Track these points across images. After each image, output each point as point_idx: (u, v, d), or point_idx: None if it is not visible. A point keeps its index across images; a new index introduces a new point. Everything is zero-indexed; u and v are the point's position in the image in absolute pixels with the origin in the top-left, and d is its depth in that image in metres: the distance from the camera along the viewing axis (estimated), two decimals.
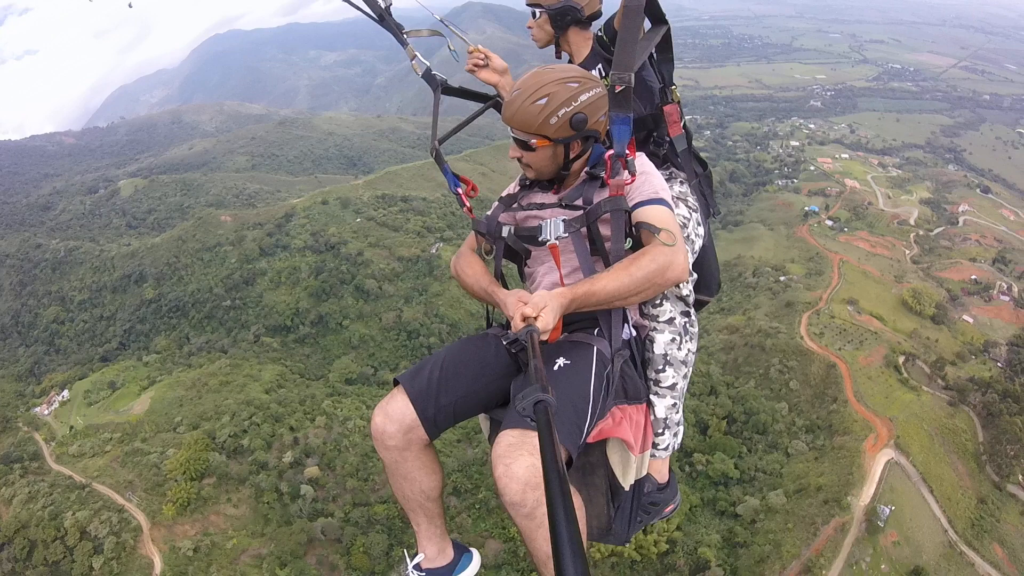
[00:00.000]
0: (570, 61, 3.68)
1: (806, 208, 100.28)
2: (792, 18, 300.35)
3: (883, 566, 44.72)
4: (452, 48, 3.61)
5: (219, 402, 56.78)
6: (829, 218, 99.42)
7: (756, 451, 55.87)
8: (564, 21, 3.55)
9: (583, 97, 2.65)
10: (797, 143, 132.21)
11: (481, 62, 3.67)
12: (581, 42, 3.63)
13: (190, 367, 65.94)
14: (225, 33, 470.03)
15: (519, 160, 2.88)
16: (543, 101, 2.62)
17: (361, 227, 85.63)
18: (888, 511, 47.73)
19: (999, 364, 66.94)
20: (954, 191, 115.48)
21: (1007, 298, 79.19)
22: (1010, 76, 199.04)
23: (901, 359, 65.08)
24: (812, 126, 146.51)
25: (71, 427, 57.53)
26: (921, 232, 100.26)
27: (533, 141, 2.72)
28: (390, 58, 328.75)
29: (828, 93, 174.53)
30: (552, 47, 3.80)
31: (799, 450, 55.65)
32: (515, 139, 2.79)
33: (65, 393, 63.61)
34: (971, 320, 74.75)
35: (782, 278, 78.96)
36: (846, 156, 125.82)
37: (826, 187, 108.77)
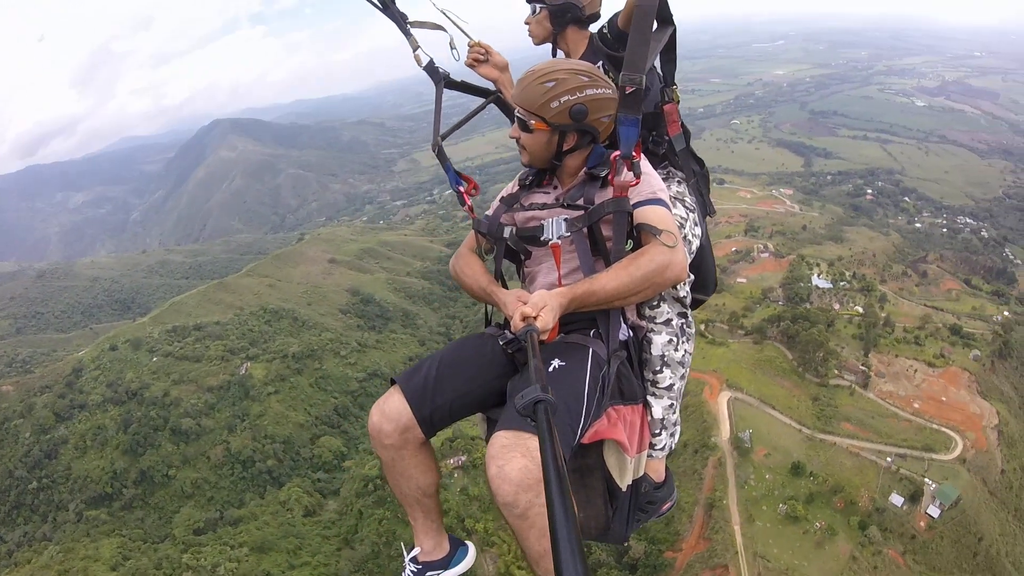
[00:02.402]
0: None
1: None
2: None
3: (767, 476, 54.54)
4: (454, 47, 3.69)
5: None
6: None
7: None
8: (564, 19, 3.67)
9: (590, 91, 2.78)
10: None
11: (481, 57, 3.80)
12: (579, 41, 3.73)
13: (16, 566, 57.64)
14: None
15: (517, 141, 3.00)
16: (550, 84, 2.77)
17: (160, 366, 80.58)
18: (748, 434, 57.97)
19: (780, 302, 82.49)
20: None
21: (766, 254, 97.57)
22: (716, 88, 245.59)
23: (701, 327, 77.70)
24: None
25: None
26: None
27: (532, 122, 2.84)
28: (140, 191, 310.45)
29: None
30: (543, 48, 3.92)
31: None
32: (518, 118, 2.92)
33: None
34: (744, 280, 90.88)
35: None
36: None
37: None
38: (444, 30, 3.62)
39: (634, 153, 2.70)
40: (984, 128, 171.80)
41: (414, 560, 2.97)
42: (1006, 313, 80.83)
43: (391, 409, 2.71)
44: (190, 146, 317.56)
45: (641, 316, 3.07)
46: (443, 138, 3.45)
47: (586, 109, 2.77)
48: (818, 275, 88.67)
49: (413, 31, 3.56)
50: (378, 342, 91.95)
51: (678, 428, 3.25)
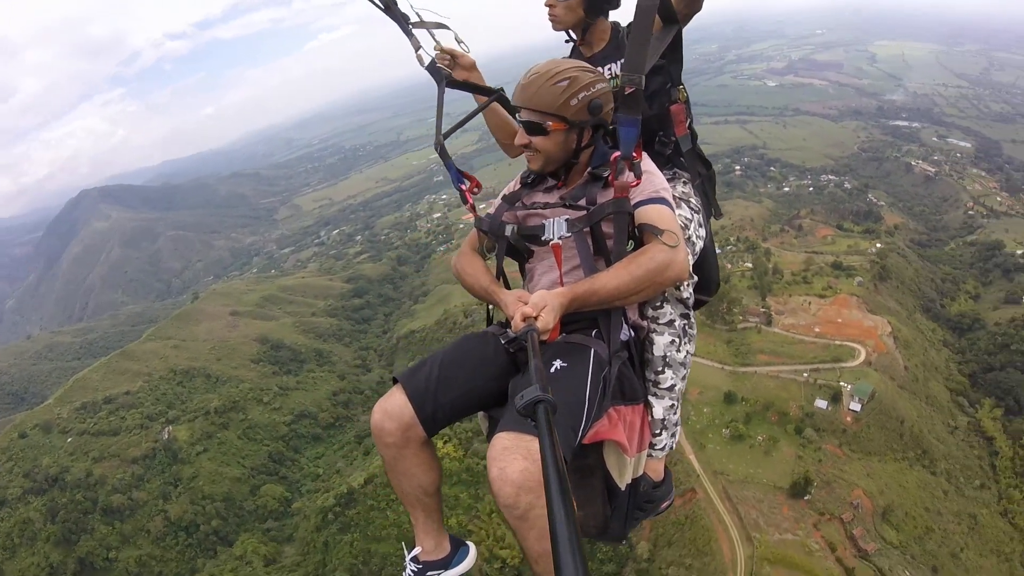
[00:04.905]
0: (579, 51, 3.87)
1: None
2: (393, 118, 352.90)
3: (705, 409, 63.56)
4: (460, 40, 3.81)
5: None
6: None
7: None
8: (601, 7, 3.68)
9: (600, 86, 2.95)
10: (439, 214, 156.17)
11: (447, 64, 3.79)
12: (602, 33, 3.78)
13: None
14: None
15: (526, 147, 3.08)
16: (564, 83, 2.88)
17: (76, 445, 78.26)
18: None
19: None
20: None
21: None
22: None
23: None
24: (444, 196, 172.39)
25: None
26: None
27: (548, 123, 2.93)
28: (11, 277, 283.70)
29: None
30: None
31: None
32: (525, 124, 3.01)
33: None
34: None
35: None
36: (484, 206, 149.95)
37: None
38: (447, 28, 3.76)
39: (634, 154, 2.85)
40: (832, 96, 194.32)
41: (415, 560, 3.13)
42: (878, 245, 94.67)
43: (393, 407, 2.87)
44: (59, 222, 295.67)
45: (643, 316, 3.21)
46: (445, 137, 3.55)
47: (602, 103, 2.95)
48: None
49: (415, 31, 3.66)
50: (299, 383, 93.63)
51: (678, 428, 3.41)
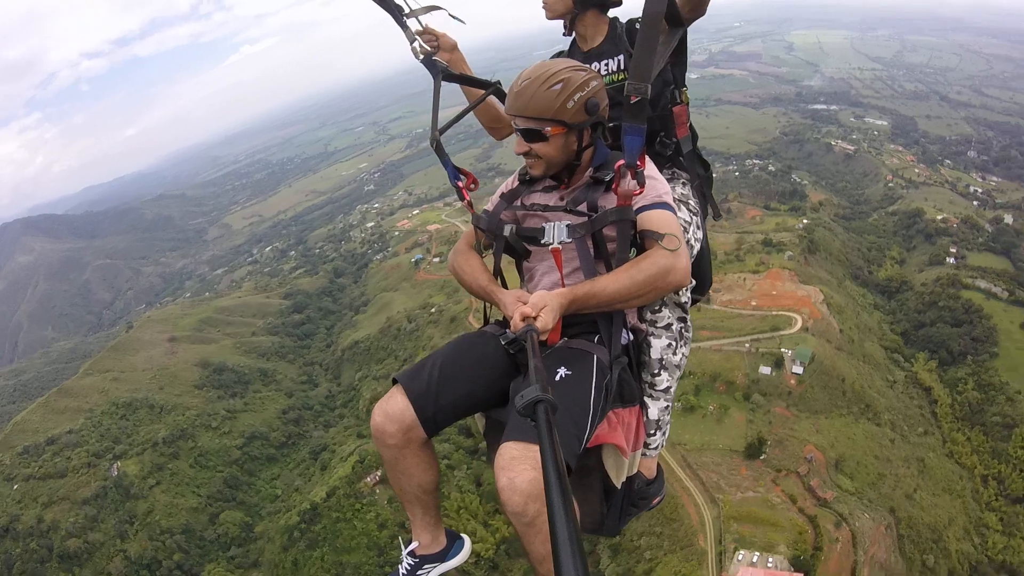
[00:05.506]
0: (577, 45, 3.86)
1: (413, 260, 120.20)
2: (318, 129, 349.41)
3: None
4: (455, 16, 3.85)
5: None
6: (435, 256, 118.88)
7: None
8: (595, 0, 3.66)
9: (594, 84, 2.96)
10: (372, 223, 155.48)
11: (433, 46, 3.84)
12: (599, 26, 3.74)
13: None
14: None
15: (526, 155, 3.09)
16: (559, 86, 2.86)
17: (24, 491, 75.91)
18: None
19: None
20: None
21: None
22: None
23: None
24: (376, 205, 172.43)
25: None
26: None
27: (547, 129, 2.94)
28: None
29: (376, 175, 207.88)
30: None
31: None
32: (523, 131, 3.01)
33: None
34: None
35: (432, 310, 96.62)
36: (417, 212, 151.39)
37: (416, 239, 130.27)
38: (440, 8, 3.79)
39: (638, 162, 2.83)
40: (753, 85, 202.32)
41: (411, 553, 3.26)
42: (805, 221, 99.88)
43: (394, 410, 2.93)
44: None
45: (641, 319, 3.29)
46: (441, 132, 3.55)
47: (598, 102, 2.96)
48: None
49: (409, 21, 3.71)
50: (246, 405, 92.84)
51: (669, 427, 3.53)
